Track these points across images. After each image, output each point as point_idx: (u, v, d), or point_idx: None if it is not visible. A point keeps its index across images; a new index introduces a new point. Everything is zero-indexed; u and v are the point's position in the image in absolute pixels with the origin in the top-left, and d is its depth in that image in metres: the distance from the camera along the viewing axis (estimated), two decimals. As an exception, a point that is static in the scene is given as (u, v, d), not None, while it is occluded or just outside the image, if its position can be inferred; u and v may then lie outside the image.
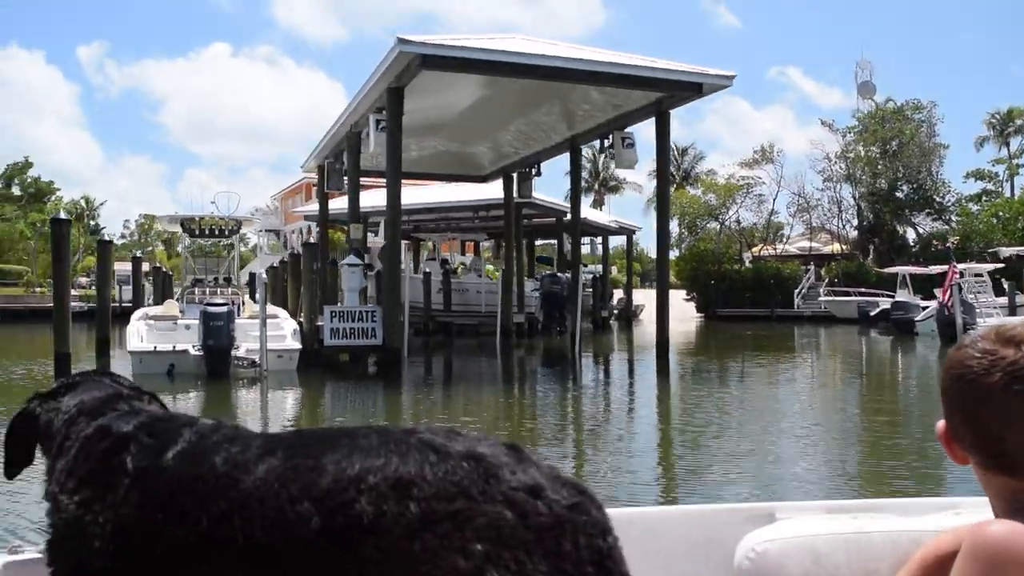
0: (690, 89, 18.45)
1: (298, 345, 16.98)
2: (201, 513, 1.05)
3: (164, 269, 38.09)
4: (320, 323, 17.78)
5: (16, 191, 69.34)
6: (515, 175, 27.56)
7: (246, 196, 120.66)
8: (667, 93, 18.77)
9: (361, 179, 26.34)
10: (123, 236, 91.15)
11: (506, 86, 19.59)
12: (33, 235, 63.63)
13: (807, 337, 35.34)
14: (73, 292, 61.69)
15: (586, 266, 53.89)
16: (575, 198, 25.89)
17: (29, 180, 69.61)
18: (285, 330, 17.11)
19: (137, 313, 18.64)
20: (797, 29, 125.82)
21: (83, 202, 72.48)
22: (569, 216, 33.50)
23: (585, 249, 44.99)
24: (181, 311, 18.15)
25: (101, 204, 76.85)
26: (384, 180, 29.14)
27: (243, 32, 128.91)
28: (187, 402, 14.97)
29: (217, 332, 15.32)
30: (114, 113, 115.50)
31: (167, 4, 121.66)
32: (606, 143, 21.73)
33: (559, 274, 32.44)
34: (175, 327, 16.86)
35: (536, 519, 0.99)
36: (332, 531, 1.01)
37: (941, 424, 1.30)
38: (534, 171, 26.74)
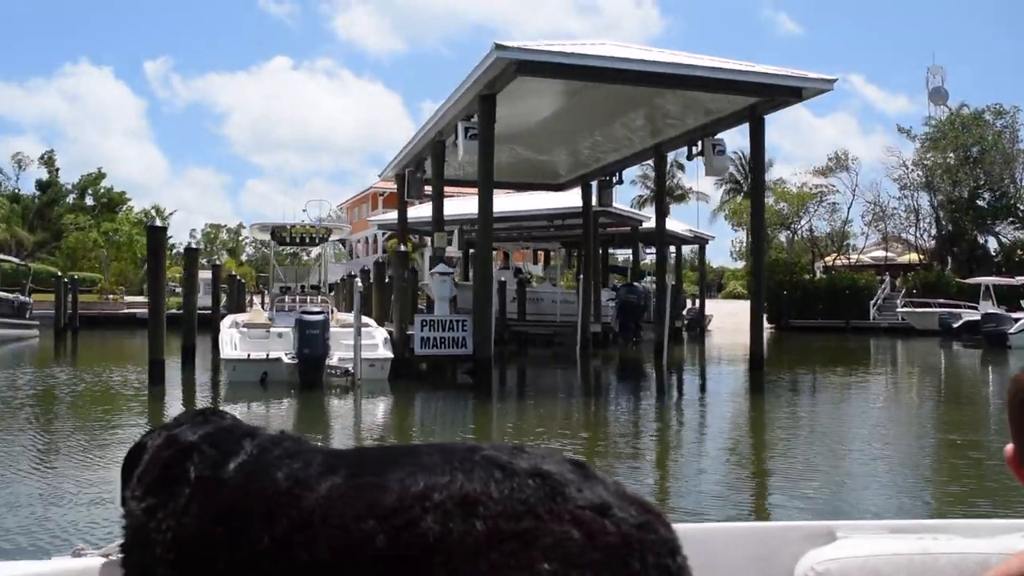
0: (789, 94, 17.91)
1: (390, 354, 16.81)
2: (263, 530, 1.02)
3: (238, 277, 38.39)
4: (410, 332, 17.59)
5: (89, 201, 70.93)
6: (595, 183, 27.17)
7: (309, 207, 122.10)
8: (764, 98, 18.26)
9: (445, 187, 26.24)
10: (190, 245, 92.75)
11: (592, 93, 19.26)
12: (105, 244, 65.05)
13: (886, 350, 34.32)
14: (142, 299, 62.88)
15: (651, 275, 53.25)
16: (660, 207, 25.40)
17: (102, 190, 71.16)
18: (376, 339, 16.95)
19: (226, 320, 18.66)
20: (859, 36, 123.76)
21: (153, 211, 73.86)
22: (647, 225, 33.06)
23: (652, 259, 44.42)
24: (270, 319, 18.11)
25: (171, 213, 78.31)
26: (461, 189, 28.96)
27: (304, 46, 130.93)
28: (280, 411, 14.87)
29: (313, 341, 15.20)
30: (179, 126, 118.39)
31: (231, 20, 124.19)
32: (694, 150, 21.27)
33: (636, 284, 31.96)
34: (267, 335, 16.80)
35: (604, 538, 0.96)
36: (397, 549, 0.99)
37: (1009, 448, 1.29)
38: (615, 179, 26.34)
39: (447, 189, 26.41)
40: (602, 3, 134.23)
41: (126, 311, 55.17)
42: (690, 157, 21.63)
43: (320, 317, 15.42)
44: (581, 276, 26.98)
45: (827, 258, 52.23)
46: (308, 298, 18.56)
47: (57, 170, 70.99)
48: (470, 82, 17.25)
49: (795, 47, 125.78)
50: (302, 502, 1.02)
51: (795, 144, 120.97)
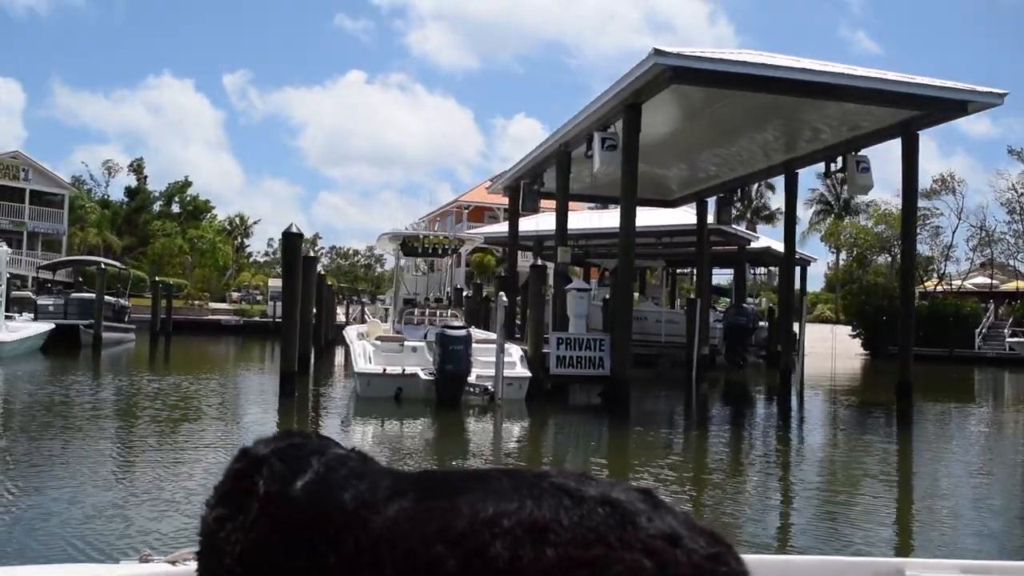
0: (953, 108, 16.80)
1: (528, 373, 16.09)
2: (330, 551, 1.02)
3: (332, 286, 38.24)
4: (546, 350, 16.87)
5: (175, 208, 72.11)
6: (712, 200, 26.21)
7: (379, 219, 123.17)
8: (923, 111, 17.16)
9: (542, 201, 25.58)
10: (267, 254, 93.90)
11: (726, 105, 18.39)
12: (190, 250, 66.02)
13: (1002, 381, 32.61)
14: (224, 305, 63.32)
15: (753, 296, 51.83)
16: (790, 228, 24.25)
17: (188, 198, 72.29)
18: (514, 356, 16.26)
19: (351, 331, 18.14)
20: (938, 55, 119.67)
21: (237, 219, 74.77)
22: (755, 244, 31.93)
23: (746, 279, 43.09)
24: (397, 332, 17.54)
25: (255, 222, 79.29)
26: (565, 202, 28.03)
27: (378, 61, 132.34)
28: (416, 428, 14.27)
29: (456, 357, 14.55)
30: (255, 138, 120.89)
31: (307, 36, 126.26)
32: (833, 166, 20.22)
33: (744, 305, 30.83)
34: (401, 349, 16.21)
35: (675, 568, 0.96)
36: (467, 575, 0.98)
37: None
38: (735, 196, 25.35)
39: (544, 203, 25.75)
40: (675, 21, 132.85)
41: (211, 317, 55.81)
42: (828, 174, 20.61)
43: (463, 333, 14.75)
44: (691, 296, 25.98)
45: (926, 284, 50.28)
46: (438, 312, 17.92)
47: (145, 178, 72.30)
48: (616, 90, 16.52)
49: (873, 66, 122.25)
50: (369, 524, 1.01)
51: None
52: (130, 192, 71.89)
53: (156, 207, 72.46)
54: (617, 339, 16.48)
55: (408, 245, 18.99)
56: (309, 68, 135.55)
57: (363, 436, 13.02)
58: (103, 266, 32.87)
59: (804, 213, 67.91)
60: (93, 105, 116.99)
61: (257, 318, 58.03)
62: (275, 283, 62.34)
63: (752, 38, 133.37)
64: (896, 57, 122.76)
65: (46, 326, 27.86)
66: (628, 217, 16.67)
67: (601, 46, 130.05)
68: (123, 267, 43.30)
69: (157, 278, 47.14)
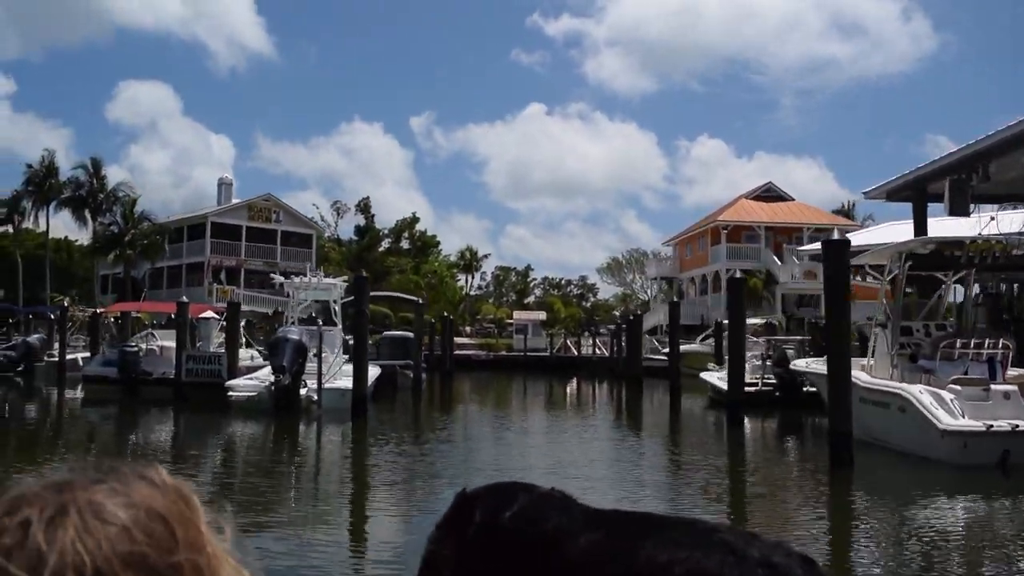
0: None
1: None
2: (530, 570, 1.08)
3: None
4: None
5: (405, 244, 71.56)
6: None
7: (566, 250, 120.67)
8: None
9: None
10: (479, 288, 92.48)
11: None
12: (425, 285, 64.90)
13: None
14: (462, 340, 60.80)
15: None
16: None
17: (417, 234, 71.62)
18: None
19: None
20: None
21: (468, 253, 73.46)
22: None
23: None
24: (928, 369, 13.32)
25: (485, 256, 77.96)
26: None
27: (556, 91, 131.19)
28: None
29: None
30: (442, 175, 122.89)
31: (486, 73, 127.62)
32: None
33: None
34: (986, 395, 11.99)
35: None
36: None
37: None
38: None
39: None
40: (864, 22, 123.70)
41: (459, 352, 53.58)
42: None
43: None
44: None
45: None
46: (985, 342, 13.53)
47: (373, 216, 72.22)
48: None
49: None
50: (564, 549, 1.07)
51: None
52: (360, 231, 71.95)
53: (385, 244, 72.23)
54: None
55: (938, 255, 14.44)
56: (490, 104, 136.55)
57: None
58: (420, 302, 30.64)
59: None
60: (292, 153, 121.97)
61: (504, 352, 55.85)
62: (521, 315, 60.09)
63: (952, 33, 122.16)
64: None
65: (373, 370, 25.41)
66: None
67: (786, 57, 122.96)
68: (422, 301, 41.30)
69: (433, 317, 45.38)
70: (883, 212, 57.49)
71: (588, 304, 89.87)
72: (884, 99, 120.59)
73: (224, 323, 25.07)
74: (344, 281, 26.54)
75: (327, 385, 20.63)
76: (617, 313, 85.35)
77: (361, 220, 73.03)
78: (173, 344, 28.20)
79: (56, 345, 35.90)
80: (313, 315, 24.52)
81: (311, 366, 20.70)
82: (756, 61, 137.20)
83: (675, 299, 62.63)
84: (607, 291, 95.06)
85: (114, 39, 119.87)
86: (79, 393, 27.50)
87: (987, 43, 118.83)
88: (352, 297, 23.99)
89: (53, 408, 26.43)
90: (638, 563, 1.04)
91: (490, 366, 50.65)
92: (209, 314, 27.16)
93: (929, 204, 23.37)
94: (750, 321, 43.82)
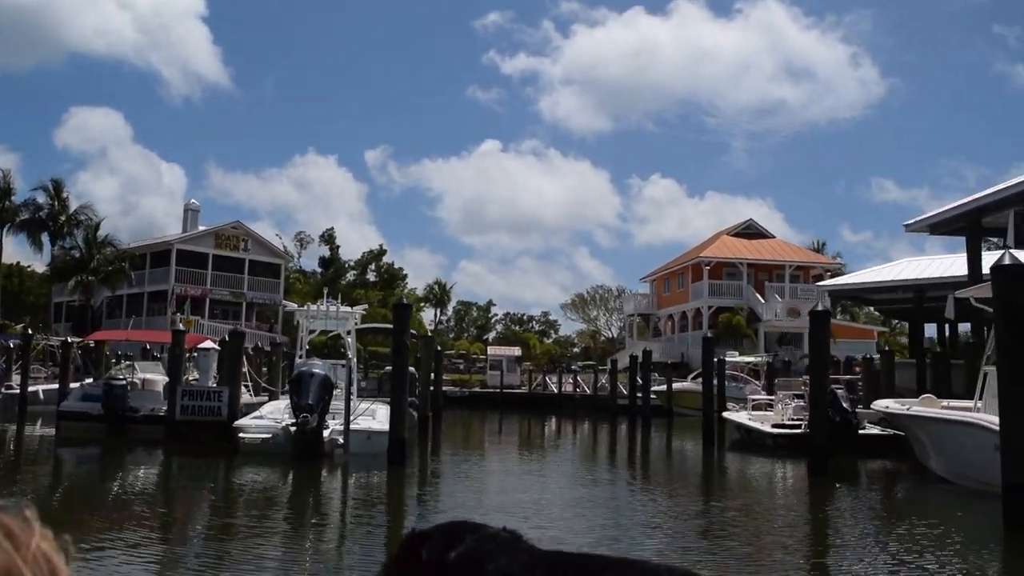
0: None
1: None
2: None
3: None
4: None
5: (371, 276, 69.64)
6: None
7: (518, 287, 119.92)
8: None
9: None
10: (441, 323, 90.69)
11: None
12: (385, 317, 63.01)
13: None
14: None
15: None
16: None
17: (384, 266, 69.76)
18: None
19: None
20: None
21: (436, 286, 71.68)
22: None
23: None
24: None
25: (451, 286, 76.30)
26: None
27: (511, 128, 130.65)
28: None
29: None
30: (396, 209, 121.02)
31: (443, 109, 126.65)
32: None
33: None
34: None
35: None
36: None
37: None
38: None
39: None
40: (815, 67, 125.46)
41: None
42: None
43: None
44: None
45: None
46: None
47: (338, 247, 70.16)
48: None
49: None
50: None
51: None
52: (324, 262, 69.84)
53: (350, 275, 70.14)
54: None
55: None
56: (445, 140, 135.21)
57: None
58: (429, 334, 28.75)
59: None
60: (245, 184, 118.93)
61: (478, 388, 53.93)
62: (496, 351, 58.24)
63: (899, 80, 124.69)
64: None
65: (384, 408, 23.49)
66: None
67: (738, 100, 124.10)
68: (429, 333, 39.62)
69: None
70: (852, 253, 57.48)
71: (550, 340, 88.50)
72: (832, 142, 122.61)
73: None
74: (364, 311, 24.61)
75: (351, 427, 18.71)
76: (576, 350, 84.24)
77: (325, 251, 70.98)
78: (156, 377, 25.92)
79: (15, 377, 33.16)
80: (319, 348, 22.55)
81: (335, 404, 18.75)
82: (709, 103, 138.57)
83: (651, 335, 61.62)
84: (569, 327, 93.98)
85: (65, 64, 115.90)
86: (48, 430, 24.95)
87: (931, 90, 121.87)
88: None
89: (21, 446, 23.84)
90: None
91: (466, 403, 48.70)
92: (209, 344, 24.94)
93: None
94: (737, 359, 43.05)
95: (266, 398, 25.96)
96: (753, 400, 27.65)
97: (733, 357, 40.81)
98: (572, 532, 11.32)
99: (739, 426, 25.52)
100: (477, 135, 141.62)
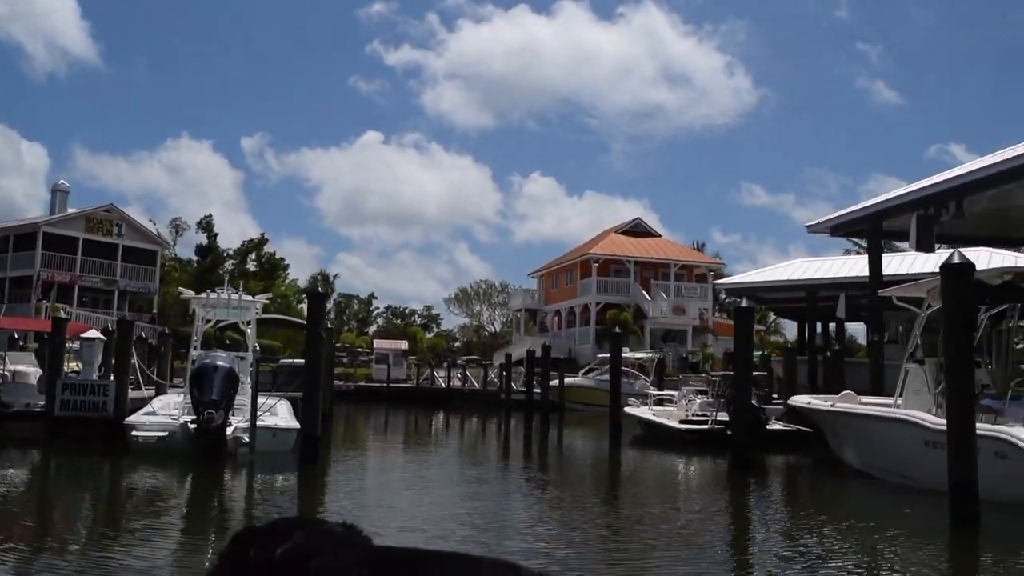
0: None
1: None
2: None
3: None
4: None
5: (251, 266, 67.16)
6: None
7: (398, 280, 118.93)
8: None
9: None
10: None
11: None
12: (272, 309, 60.86)
13: None
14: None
15: None
16: None
17: (265, 256, 67.39)
18: None
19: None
20: (963, 102, 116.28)
21: (319, 277, 69.78)
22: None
23: None
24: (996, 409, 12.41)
25: (335, 277, 74.51)
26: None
27: (394, 121, 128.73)
28: None
29: None
30: (273, 198, 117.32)
31: (324, 98, 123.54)
32: None
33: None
34: None
35: None
36: None
37: None
38: None
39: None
40: (692, 74, 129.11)
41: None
42: None
43: None
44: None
45: None
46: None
47: (215, 235, 67.26)
48: None
49: (891, 117, 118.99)
50: None
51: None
52: (202, 250, 66.84)
53: (229, 264, 67.42)
54: None
55: (981, 287, 13.23)
56: (325, 130, 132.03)
57: None
58: (329, 327, 27.61)
59: None
60: (112, 167, 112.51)
61: (363, 382, 52.64)
62: (382, 344, 56.99)
63: (770, 90, 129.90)
64: (916, 105, 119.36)
65: (282, 404, 22.36)
66: None
67: (618, 102, 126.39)
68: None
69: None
70: (724, 255, 59.16)
71: (432, 335, 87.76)
72: (706, 148, 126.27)
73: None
74: (267, 299, 23.33)
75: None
76: (458, 344, 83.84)
77: (202, 239, 67.97)
78: (29, 369, 23.93)
79: None
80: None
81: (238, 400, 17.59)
82: (590, 104, 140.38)
83: (538, 331, 61.79)
84: (451, 321, 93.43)
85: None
86: None
87: (799, 101, 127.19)
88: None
89: None
90: None
91: (353, 398, 47.42)
92: (93, 334, 23.11)
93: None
94: (628, 355, 43.60)
95: (153, 392, 24.35)
96: (653, 395, 27.91)
97: (624, 353, 41.33)
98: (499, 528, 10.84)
99: (642, 421, 25.59)
100: (359, 126, 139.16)
